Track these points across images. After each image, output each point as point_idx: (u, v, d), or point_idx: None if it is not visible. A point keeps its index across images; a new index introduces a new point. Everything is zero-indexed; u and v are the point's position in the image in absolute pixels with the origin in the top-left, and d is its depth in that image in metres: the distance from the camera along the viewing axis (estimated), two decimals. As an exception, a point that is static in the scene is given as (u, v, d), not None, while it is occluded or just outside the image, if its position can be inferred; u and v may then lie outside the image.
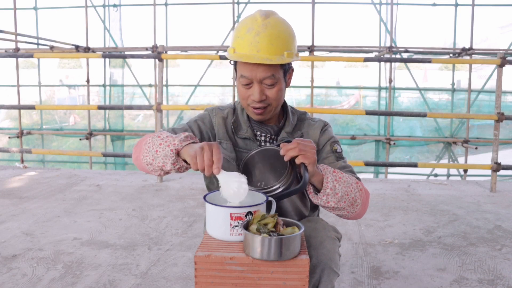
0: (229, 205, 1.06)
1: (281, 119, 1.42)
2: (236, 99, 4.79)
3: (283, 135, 1.37)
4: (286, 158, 1.12)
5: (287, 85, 1.36)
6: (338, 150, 1.37)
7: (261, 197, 1.11)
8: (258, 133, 1.39)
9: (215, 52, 7.45)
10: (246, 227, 1.01)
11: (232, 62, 1.35)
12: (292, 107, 1.44)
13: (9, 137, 7.79)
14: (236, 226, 1.03)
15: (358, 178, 1.29)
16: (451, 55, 7.52)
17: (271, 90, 1.28)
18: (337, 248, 1.22)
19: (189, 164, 1.08)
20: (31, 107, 6.57)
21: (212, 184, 1.43)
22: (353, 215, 1.25)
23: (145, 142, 1.18)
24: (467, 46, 6.99)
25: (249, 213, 1.03)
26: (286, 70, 1.32)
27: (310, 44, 6.94)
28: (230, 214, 1.02)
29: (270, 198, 1.10)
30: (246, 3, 7.77)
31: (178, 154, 1.10)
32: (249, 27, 1.24)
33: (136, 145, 1.25)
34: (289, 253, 0.96)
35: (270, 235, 0.96)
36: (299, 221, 1.13)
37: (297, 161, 1.11)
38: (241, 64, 1.27)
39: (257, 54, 1.21)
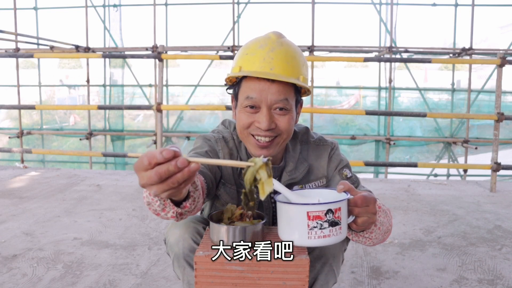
0: (306, 202, 0.89)
1: (283, 157, 1.19)
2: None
3: (286, 178, 1.16)
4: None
5: (296, 120, 1.15)
6: (349, 175, 1.19)
7: (338, 195, 0.93)
8: None
9: (215, 52, 7.46)
10: (220, 218, 1.05)
11: (230, 90, 1.15)
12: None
13: (9, 137, 7.80)
14: (315, 227, 0.85)
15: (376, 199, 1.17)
16: (451, 55, 7.52)
17: (282, 118, 1.07)
18: (343, 249, 1.14)
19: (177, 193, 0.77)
20: (31, 107, 6.57)
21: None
22: (377, 242, 1.04)
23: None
24: (467, 46, 6.99)
25: (329, 211, 0.85)
26: (298, 100, 1.13)
27: (310, 44, 6.94)
28: (307, 213, 0.85)
29: (349, 196, 0.91)
30: (246, 3, 7.77)
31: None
32: (261, 43, 1.08)
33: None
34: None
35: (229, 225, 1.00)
36: None
37: (360, 221, 0.92)
38: (248, 84, 1.07)
39: (270, 71, 1.03)
